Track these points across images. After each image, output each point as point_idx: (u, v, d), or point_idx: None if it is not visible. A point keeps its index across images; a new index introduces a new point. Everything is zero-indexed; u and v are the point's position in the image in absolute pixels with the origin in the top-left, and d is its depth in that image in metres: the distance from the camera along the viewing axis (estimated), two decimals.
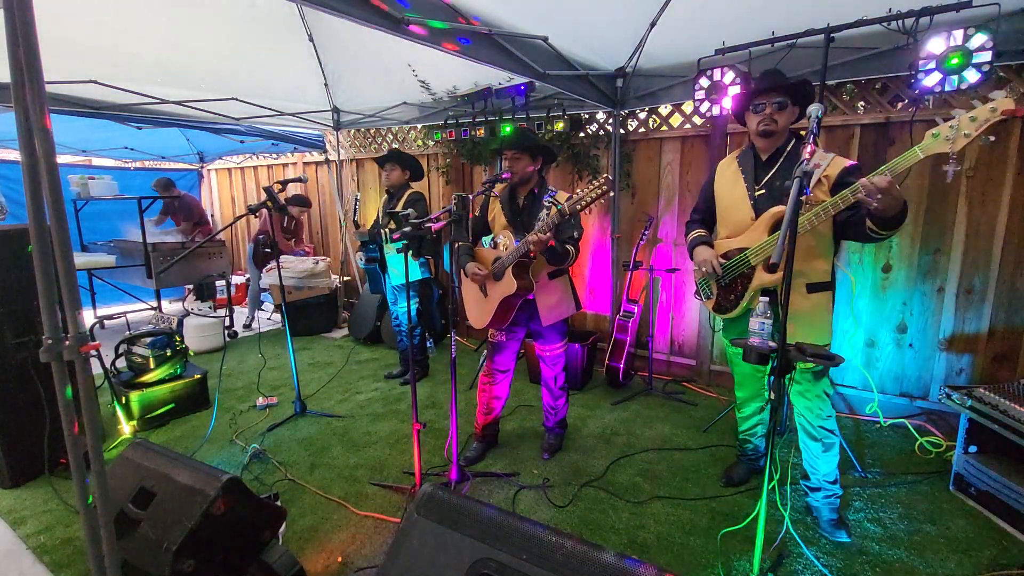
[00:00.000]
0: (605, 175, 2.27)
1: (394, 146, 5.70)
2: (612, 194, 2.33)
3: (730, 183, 2.38)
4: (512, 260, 2.53)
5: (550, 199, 2.38)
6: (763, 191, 2.25)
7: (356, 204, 4.15)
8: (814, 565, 2.11)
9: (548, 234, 2.35)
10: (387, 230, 3.72)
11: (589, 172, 4.27)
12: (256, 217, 3.75)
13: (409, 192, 3.80)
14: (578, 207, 2.27)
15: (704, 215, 2.54)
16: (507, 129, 3.97)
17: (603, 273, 4.44)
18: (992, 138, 1.70)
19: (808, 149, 1.68)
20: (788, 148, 2.23)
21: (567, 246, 2.56)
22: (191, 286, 5.97)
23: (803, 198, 2.03)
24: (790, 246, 1.66)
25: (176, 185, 5.87)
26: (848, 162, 2.12)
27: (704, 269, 2.35)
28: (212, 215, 7.68)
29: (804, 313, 2.19)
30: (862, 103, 3.33)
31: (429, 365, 4.42)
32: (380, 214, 3.94)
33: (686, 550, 2.23)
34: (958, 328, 3.15)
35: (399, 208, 3.69)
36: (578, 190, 2.30)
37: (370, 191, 5.92)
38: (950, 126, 1.71)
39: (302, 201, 5.66)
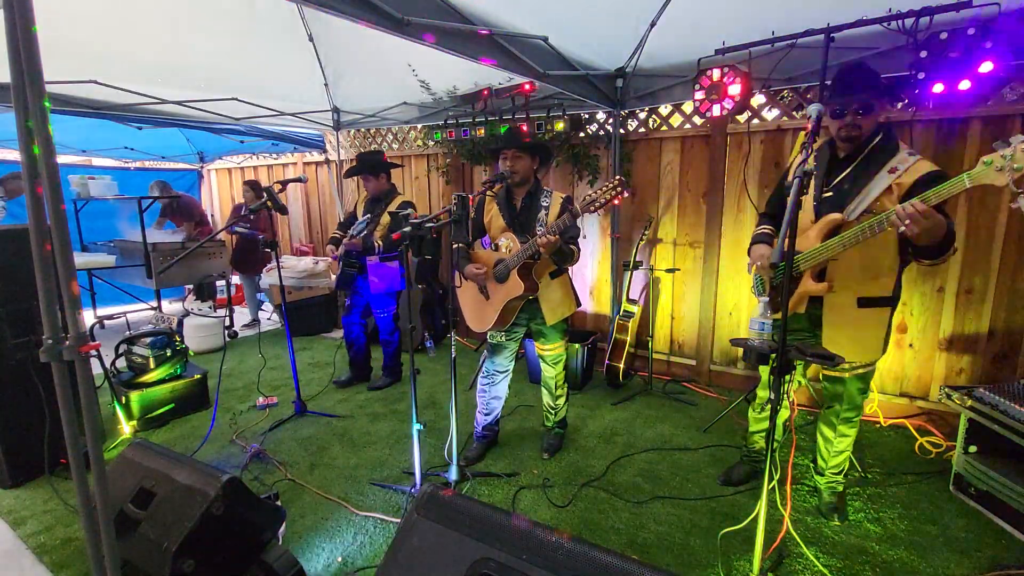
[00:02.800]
0: (619, 176, 2.25)
1: (394, 146, 5.70)
2: (626, 195, 2.30)
3: None
4: (518, 261, 2.54)
5: (548, 199, 2.39)
6: (831, 193, 2.09)
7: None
8: (814, 565, 2.11)
9: (557, 236, 2.36)
10: (378, 242, 3.54)
11: (589, 172, 4.27)
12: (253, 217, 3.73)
13: (397, 200, 3.65)
14: (592, 208, 2.28)
15: (775, 208, 2.40)
16: (504, 129, 3.97)
17: (603, 273, 4.43)
18: None
19: (801, 156, 1.67)
20: (871, 146, 2.04)
21: (571, 246, 2.60)
22: (191, 286, 5.96)
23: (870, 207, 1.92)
24: (790, 250, 1.64)
25: (171, 187, 5.82)
26: (930, 168, 1.92)
27: (759, 264, 2.25)
28: (212, 215, 7.68)
29: (851, 328, 2.10)
30: None
31: (402, 372, 4.18)
32: (357, 209, 3.77)
33: (686, 550, 2.23)
34: (958, 328, 3.15)
35: (386, 219, 3.58)
36: (590, 192, 2.30)
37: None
38: (1002, 155, 1.59)
39: (257, 188, 5.61)
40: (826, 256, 2.02)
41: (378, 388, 4.01)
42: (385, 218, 3.61)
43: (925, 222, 1.68)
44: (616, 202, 2.28)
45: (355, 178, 5.90)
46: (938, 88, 2.41)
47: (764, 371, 2.58)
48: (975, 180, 1.65)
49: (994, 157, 1.62)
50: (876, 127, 2.06)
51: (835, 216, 2.01)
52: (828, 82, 2.14)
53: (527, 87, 3.60)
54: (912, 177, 1.92)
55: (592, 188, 2.31)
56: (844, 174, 2.08)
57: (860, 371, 2.21)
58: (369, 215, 3.70)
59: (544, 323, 2.74)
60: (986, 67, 2.29)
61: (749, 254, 2.36)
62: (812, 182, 2.14)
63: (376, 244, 3.54)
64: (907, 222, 1.69)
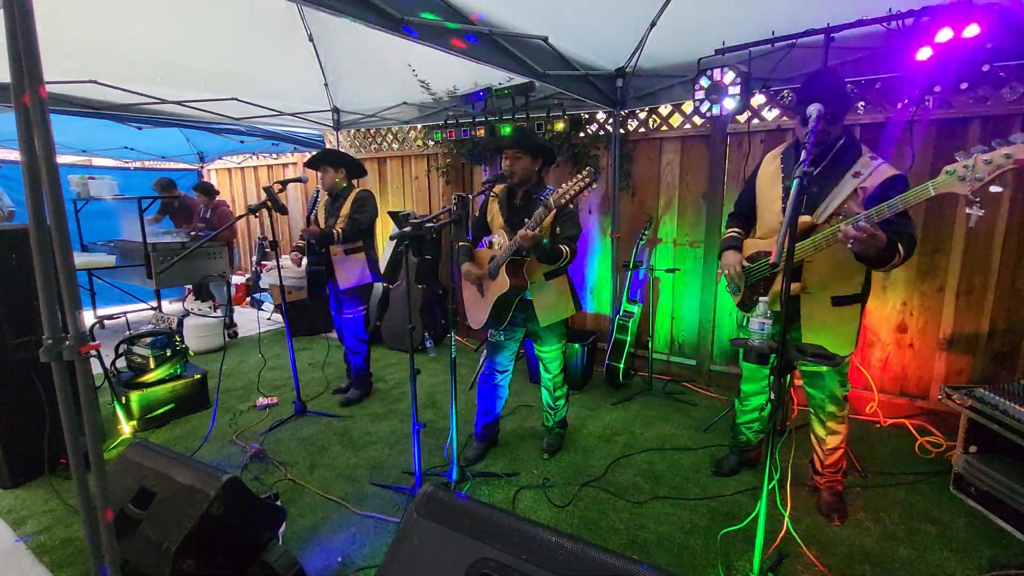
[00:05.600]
0: (588, 167, 2.26)
1: (394, 146, 5.71)
2: (596, 186, 2.31)
3: (769, 181, 2.32)
4: (505, 258, 2.53)
5: (543, 196, 2.38)
6: None
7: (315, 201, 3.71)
8: (814, 565, 2.11)
9: (536, 230, 2.34)
10: (338, 231, 3.41)
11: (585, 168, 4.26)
12: (256, 217, 3.70)
13: (355, 192, 3.53)
14: (563, 200, 2.27)
15: (744, 209, 2.49)
16: (507, 129, 3.98)
17: (603, 273, 4.44)
18: (1000, 189, 1.62)
19: (803, 156, 1.69)
20: (835, 149, 2.12)
21: (561, 246, 2.54)
22: (191, 286, 5.97)
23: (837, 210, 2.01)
24: (789, 249, 1.65)
25: (177, 185, 5.85)
26: (892, 172, 1.99)
27: (727, 273, 2.36)
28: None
29: (828, 326, 2.17)
30: (862, 103, 3.33)
31: (372, 384, 4.00)
32: (318, 214, 3.63)
33: (686, 550, 2.23)
34: (958, 328, 3.15)
35: (346, 209, 3.47)
36: (563, 185, 2.30)
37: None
38: (964, 166, 1.65)
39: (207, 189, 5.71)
40: (800, 257, 2.09)
41: (349, 402, 3.75)
42: (344, 209, 3.49)
43: (868, 241, 1.79)
44: (586, 193, 2.29)
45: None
46: (937, 88, 2.41)
47: (746, 366, 2.61)
48: (939, 189, 1.71)
49: (956, 167, 1.67)
50: (840, 130, 2.14)
51: (805, 218, 2.07)
52: (798, 88, 2.25)
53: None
54: (875, 181, 2.00)
55: (564, 182, 2.31)
56: (812, 176, 2.16)
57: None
58: (319, 197, 3.63)
59: (538, 324, 2.73)
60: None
61: (720, 259, 2.44)
62: (781, 183, 2.23)
63: (336, 233, 3.40)
64: (851, 242, 1.80)
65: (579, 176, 2.24)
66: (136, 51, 3.36)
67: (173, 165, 7.56)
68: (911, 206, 1.78)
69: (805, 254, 2.05)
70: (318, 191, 3.69)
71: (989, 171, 1.60)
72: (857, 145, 2.13)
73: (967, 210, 1.66)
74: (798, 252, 2.05)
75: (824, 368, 2.23)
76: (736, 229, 2.48)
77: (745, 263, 2.32)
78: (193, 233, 5.58)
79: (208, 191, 5.71)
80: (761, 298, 1.86)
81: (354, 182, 3.65)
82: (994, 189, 1.62)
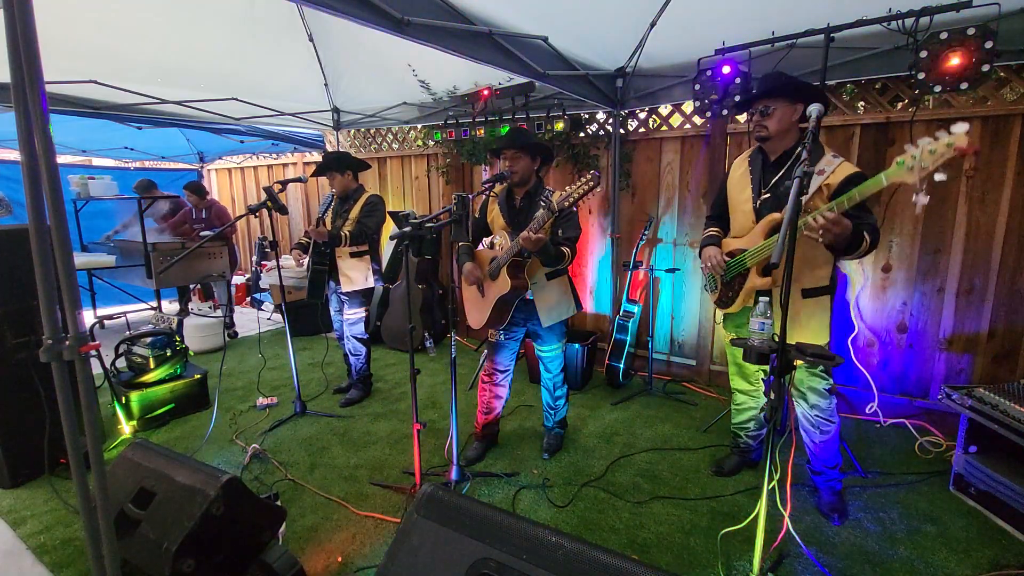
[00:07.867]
0: (592, 171, 2.28)
1: (394, 146, 5.70)
2: (599, 190, 2.34)
3: (739, 184, 2.40)
4: (507, 260, 2.54)
5: (545, 198, 2.39)
6: (768, 195, 2.26)
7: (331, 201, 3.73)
8: (814, 565, 2.11)
9: (540, 233, 2.36)
10: (345, 233, 3.43)
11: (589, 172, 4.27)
12: (256, 217, 3.70)
13: (366, 196, 3.55)
14: (565, 204, 2.29)
15: (720, 211, 2.55)
16: (505, 130, 3.98)
17: (603, 273, 4.44)
18: (944, 177, 1.66)
19: (803, 155, 1.70)
20: (798, 149, 2.18)
21: (563, 248, 2.55)
22: (192, 286, 5.96)
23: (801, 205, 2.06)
24: (788, 249, 1.65)
25: (158, 186, 5.76)
26: (853, 170, 2.08)
27: (709, 264, 2.40)
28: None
29: (798, 317, 2.23)
30: (862, 103, 3.33)
31: (372, 384, 4.00)
32: (327, 217, 3.64)
33: (686, 550, 2.23)
34: (958, 328, 3.15)
35: (355, 212, 3.49)
36: (566, 188, 2.31)
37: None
38: (912, 156, 1.71)
39: (197, 189, 5.66)
40: (769, 252, 2.15)
41: (349, 403, 3.74)
42: (354, 212, 3.50)
43: (835, 229, 1.88)
44: (591, 195, 2.32)
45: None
46: (938, 88, 2.41)
47: (732, 361, 2.65)
48: (891, 178, 1.79)
49: (905, 157, 1.74)
50: (799, 132, 2.23)
51: (775, 215, 2.18)
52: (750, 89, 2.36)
53: (485, 93, 3.71)
54: (838, 178, 2.08)
55: (567, 185, 2.33)
56: (778, 176, 2.25)
57: None
58: (333, 201, 3.64)
59: (539, 324, 2.73)
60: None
61: (700, 256, 2.51)
62: (750, 185, 2.33)
63: (343, 235, 3.41)
64: (820, 232, 1.89)
65: (582, 180, 2.26)
66: (136, 51, 3.36)
67: (173, 165, 7.55)
68: (867, 197, 1.86)
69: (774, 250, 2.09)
70: (332, 193, 3.70)
71: (934, 160, 1.67)
72: (820, 146, 2.20)
73: (913, 198, 1.72)
74: (767, 249, 2.16)
75: (801, 363, 2.25)
76: (715, 228, 2.55)
77: (726, 259, 2.38)
78: (197, 229, 5.54)
79: (199, 191, 5.66)
80: (761, 297, 1.86)
81: (363, 183, 3.67)
82: (938, 177, 1.67)
